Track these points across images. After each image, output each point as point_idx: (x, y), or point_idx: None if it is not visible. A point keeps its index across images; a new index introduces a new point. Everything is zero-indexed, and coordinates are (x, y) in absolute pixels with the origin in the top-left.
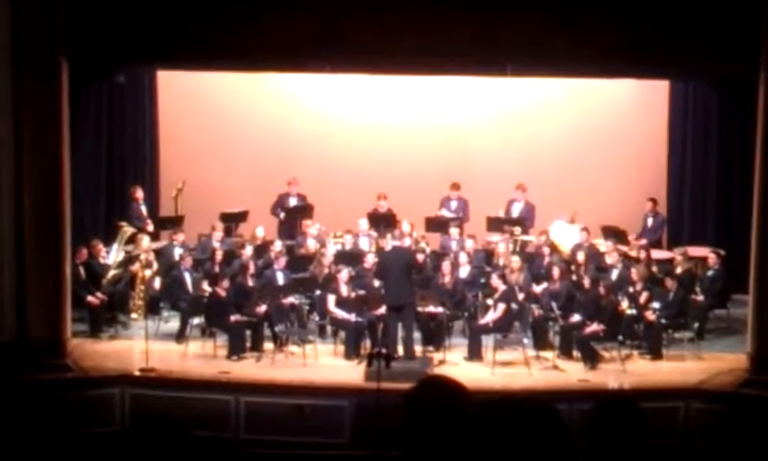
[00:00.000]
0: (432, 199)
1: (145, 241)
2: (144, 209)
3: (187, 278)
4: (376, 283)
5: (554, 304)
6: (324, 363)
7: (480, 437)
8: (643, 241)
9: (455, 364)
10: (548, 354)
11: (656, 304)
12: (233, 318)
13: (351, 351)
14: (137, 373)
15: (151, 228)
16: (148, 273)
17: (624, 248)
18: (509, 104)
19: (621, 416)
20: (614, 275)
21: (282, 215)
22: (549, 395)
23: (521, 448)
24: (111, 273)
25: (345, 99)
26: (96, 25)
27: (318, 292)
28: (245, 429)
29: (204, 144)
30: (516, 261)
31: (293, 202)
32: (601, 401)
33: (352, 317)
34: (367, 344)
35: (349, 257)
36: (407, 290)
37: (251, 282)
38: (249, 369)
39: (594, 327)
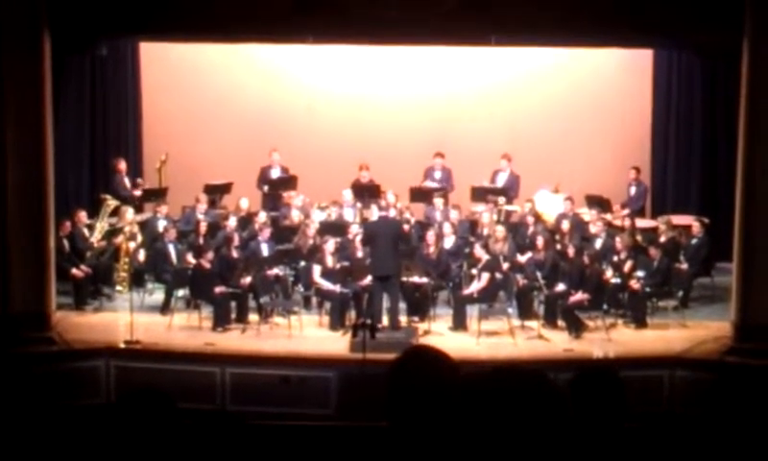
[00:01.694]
0: (416, 169)
1: (129, 213)
2: (127, 181)
3: (171, 250)
4: (361, 254)
5: (538, 274)
6: (309, 334)
7: (475, 409)
8: (625, 211)
9: (440, 334)
10: (533, 324)
11: (640, 273)
12: (218, 290)
13: (336, 322)
14: (122, 345)
15: (138, 192)
16: (132, 245)
17: (608, 217)
18: (493, 74)
19: (600, 384)
20: (599, 244)
21: (266, 188)
22: (534, 364)
23: (522, 420)
24: (94, 239)
25: (328, 70)
26: None
27: (302, 263)
28: (230, 400)
29: (187, 116)
30: (500, 231)
31: (275, 174)
32: (580, 370)
33: (337, 288)
34: (352, 315)
35: (334, 228)
36: (393, 261)
37: (235, 254)
38: (234, 340)
39: (579, 296)
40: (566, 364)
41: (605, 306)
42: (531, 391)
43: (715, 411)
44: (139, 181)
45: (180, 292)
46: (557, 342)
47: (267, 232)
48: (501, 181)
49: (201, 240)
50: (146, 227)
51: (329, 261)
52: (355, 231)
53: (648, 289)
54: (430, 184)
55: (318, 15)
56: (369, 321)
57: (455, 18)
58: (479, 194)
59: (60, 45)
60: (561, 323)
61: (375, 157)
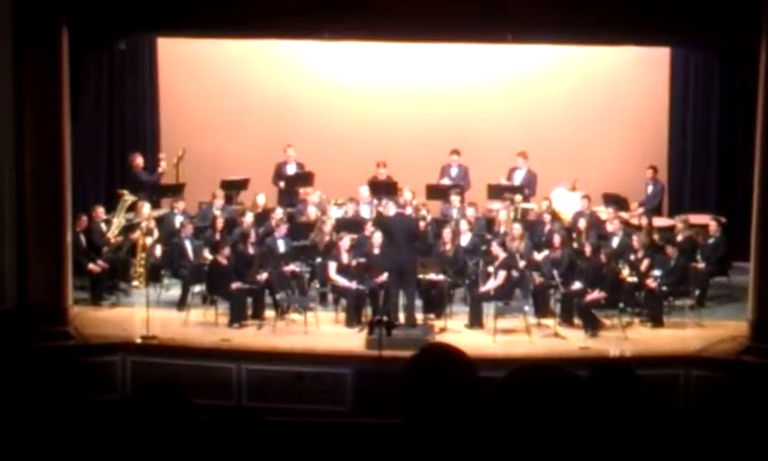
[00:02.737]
0: (433, 166)
1: (146, 209)
2: (144, 176)
3: (188, 245)
4: (377, 250)
5: (555, 272)
6: (325, 331)
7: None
8: (641, 210)
9: (456, 332)
10: (549, 322)
11: (657, 272)
12: (234, 286)
13: (353, 319)
14: (139, 340)
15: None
16: (149, 240)
17: (625, 215)
18: (510, 71)
19: (617, 382)
20: (615, 242)
21: (282, 184)
22: (550, 362)
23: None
24: (111, 234)
25: (345, 66)
26: None
27: (319, 260)
28: (246, 397)
29: (204, 112)
30: (517, 229)
31: (291, 170)
32: (597, 368)
33: (354, 284)
34: (368, 311)
35: (350, 225)
36: (409, 257)
37: (251, 250)
38: (250, 337)
39: (595, 294)
40: (582, 362)
41: (621, 305)
42: (554, 389)
43: (731, 410)
44: (161, 167)
45: (197, 288)
46: (573, 340)
47: (283, 229)
48: (518, 178)
49: (217, 236)
50: (163, 222)
51: (345, 258)
52: (372, 229)
53: (665, 288)
54: (446, 182)
55: (334, 12)
56: (385, 318)
57: (472, 15)
58: (496, 192)
59: (78, 41)
60: (577, 321)
61: (392, 154)
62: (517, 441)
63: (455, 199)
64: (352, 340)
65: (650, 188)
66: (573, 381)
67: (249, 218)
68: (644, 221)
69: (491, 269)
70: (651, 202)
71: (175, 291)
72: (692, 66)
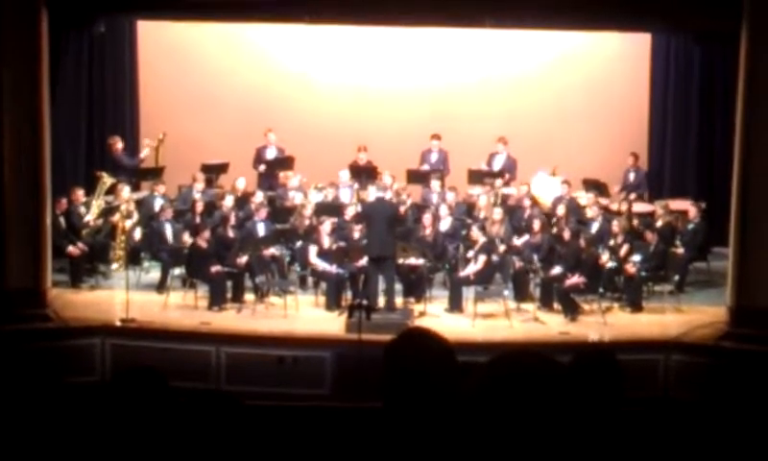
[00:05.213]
0: (413, 151)
1: (125, 191)
2: (124, 159)
3: (168, 228)
4: (357, 235)
5: (535, 257)
6: (304, 314)
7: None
8: (633, 196)
9: (436, 316)
10: (529, 306)
11: (636, 257)
12: (214, 269)
13: (332, 303)
14: (118, 323)
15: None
16: (128, 223)
17: (605, 201)
18: (491, 57)
19: (599, 368)
20: (595, 227)
21: (262, 168)
22: (529, 347)
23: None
24: (90, 217)
25: (326, 51)
26: None
27: (299, 243)
28: (225, 380)
29: (184, 95)
30: (497, 213)
31: (271, 154)
32: (579, 354)
33: (334, 268)
34: (348, 295)
35: (330, 209)
36: (390, 242)
37: (231, 234)
38: (229, 320)
39: (575, 279)
40: (562, 347)
41: (601, 290)
42: (536, 375)
43: (710, 396)
44: (143, 153)
45: (177, 271)
46: (552, 325)
47: (263, 212)
48: (498, 164)
49: (197, 219)
50: (142, 205)
51: (326, 242)
52: (352, 212)
53: (644, 273)
54: (426, 167)
55: None
56: (365, 302)
57: (451, 0)
58: (476, 177)
59: (57, 22)
60: (556, 306)
61: (372, 138)
62: (499, 427)
63: (435, 184)
64: (332, 324)
65: (632, 175)
66: (554, 367)
67: (229, 202)
68: (624, 207)
69: (470, 253)
70: (640, 189)
71: (154, 274)
72: (673, 52)
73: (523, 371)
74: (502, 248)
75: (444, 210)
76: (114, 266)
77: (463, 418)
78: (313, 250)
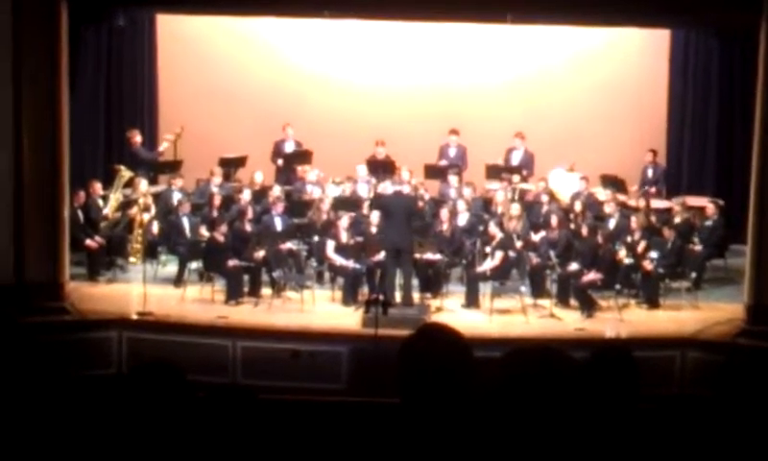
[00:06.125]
0: (431, 146)
1: (143, 185)
2: (143, 152)
3: (185, 222)
4: (374, 229)
5: (552, 253)
6: (321, 309)
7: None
8: (653, 190)
9: (452, 311)
10: (545, 303)
11: (653, 254)
12: (231, 263)
13: (349, 298)
14: (135, 316)
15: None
16: (146, 217)
17: (623, 197)
18: (509, 52)
19: (616, 365)
20: (612, 224)
21: (280, 162)
22: (546, 343)
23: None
24: (108, 210)
25: (344, 47)
26: None
27: (316, 238)
28: (242, 374)
29: (203, 89)
30: (514, 209)
31: (289, 148)
32: (596, 351)
33: (350, 263)
34: (364, 290)
35: (348, 204)
36: (406, 236)
37: (249, 228)
38: (246, 314)
39: (592, 275)
40: (578, 343)
41: (618, 286)
42: (550, 370)
43: (726, 393)
44: (162, 147)
45: (194, 265)
46: (569, 321)
47: (280, 206)
48: (515, 159)
49: (215, 213)
50: (160, 199)
51: (343, 236)
52: (368, 211)
53: (661, 270)
54: (444, 162)
55: None
56: (381, 297)
57: None
58: (494, 172)
59: (77, 15)
60: (573, 302)
61: (390, 133)
62: (513, 422)
63: (453, 179)
64: (349, 319)
65: (650, 171)
66: (567, 362)
67: (246, 196)
68: (642, 203)
69: (488, 249)
70: (659, 185)
71: (171, 268)
72: (692, 48)
73: (537, 366)
74: (519, 244)
75: (461, 206)
76: (132, 259)
77: (477, 413)
78: (330, 244)
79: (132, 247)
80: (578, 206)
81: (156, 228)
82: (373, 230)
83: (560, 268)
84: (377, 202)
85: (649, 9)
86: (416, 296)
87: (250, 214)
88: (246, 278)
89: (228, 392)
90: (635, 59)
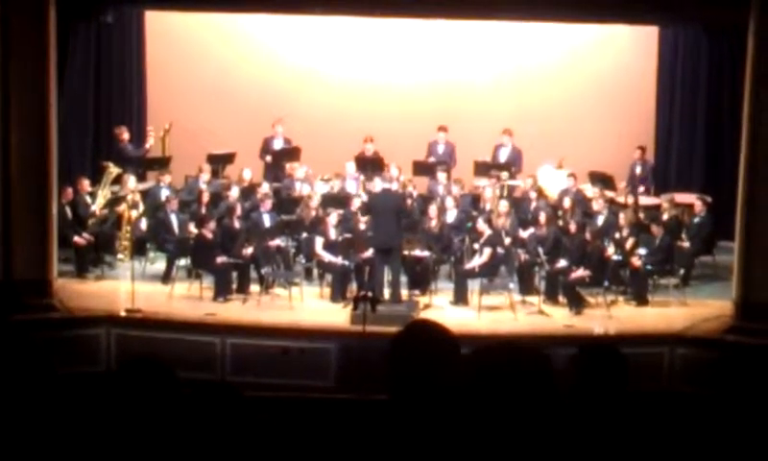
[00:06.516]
0: (420, 142)
1: (131, 182)
2: (130, 149)
3: (174, 219)
4: (363, 226)
5: (540, 249)
6: (309, 306)
7: (471, 382)
8: (640, 189)
9: (441, 308)
10: (534, 299)
11: (642, 251)
12: (220, 260)
13: (338, 294)
14: (123, 313)
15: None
16: (134, 214)
17: (611, 194)
18: (497, 49)
19: (602, 361)
20: (601, 220)
21: (269, 159)
22: (534, 339)
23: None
24: (96, 207)
25: (333, 44)
26: None
27: (304, 235)
28: (230, 371)
29: (191, 86)
30: (502, 206)
31: (278, 145)
32: (582, 347)
33: (339, 260)
34: (353, 287)
35: (336, 200)
36: (395, 234)
37: (237, 224)
38: (235, 311)
39: (580, 272)
40: (567, 340)
41: (606, 283)
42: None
43: (715, 389)
44: (149, 142)
45: (182, 261)
46: (557, 318)
47: (269, 203)
48: (503, 156)
49: (203, 210)
50: (148, 195)
51: (331, 233)
52: (358, 204)
53: (649, 267)
54: (433, 160)
55: None
56: (370, 293)
57: None
58: (482, 169)
59: (65, 12)
60: (562, 299)
61: (380, 130)
62: (483, 418)
63: (441, 175)
64: (337, 315)
65: (638, 168)
66: (537, 358)
67: (234, 192)
68: (630, 200)
69: (476, 246)
70: (649, 182)
71: (160, 264)
72: (680, 45)
73: (502, 363)
74: (508, 240)
75: (449, 202)
76: (120, 256)
77: (450, 409)
78: (319, 241)
79: (120, 244)
80: (566, 203)
81: (144, 224)
82: (362, 226)
83: (548, 265)
84: (367, 203)
85: (638, 5)
86: (404, 293)
87: (238, 211)
88: (234, 274)
89: (212, 388)
90: (623, 55)
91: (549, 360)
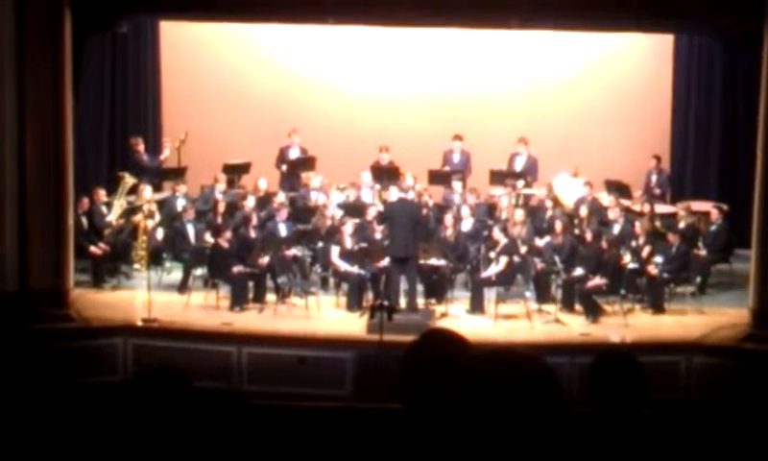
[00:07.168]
0: (435, 151)
1: (147, 192)
2: (146, 160)
3: (190, 229)
4: (379, 236)
5: (556, 258)
6: (326, 315)
7: (474, 389)
8: (657, 191)
9: (457, 317)
10: (550, 308)
11: (658, 259)
12: (236, 269)
13: (354, 303)
14: (140, 323)
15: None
16: (150, 223)
17: (627, 202)
18: (513, 58)
19: (619, 370)
20: (617, 229)
21: (285, 168)
22: (550, 348)
23: (512, 401)
24: (112, 217)
25: (348, 54)
26: None
27: (320, 244)
28: (247, 380)
29: (206, 95)
30: (518, 215)
31: (294, 154)
32: (599, 355)
33: (355, 269)
34: (369, 296)
35: (352, 209)
36: (412, 243)
37: (253, 234)
38: (251, 320)
39: (596, 280)
40: (583, 348)
41: (622, 291)
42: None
43: (732, 398)
44: (165, 153)
45: (198, 271)
46: (574, 326)
47: (284, 213)
48: (519, 164)
49: (219, 219)
50: (164, 205)
51: (347, 242)
52: (374, 213)
53: (666, 275)
54: (449, 169)
55: None
56: (386, 302)
57: (476, 1)
58: (498, 178)
59: (80, 22)
60: (578, 307)
61: (395, 140)
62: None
63: (457, 184)
64: (353, 324)
65: (654, 177)
66: (536, 366)
67: (250, 202)
68: (646, 208)
69: (492, 255)
70: (665, 189)
71: (176, 274)
72: (695, 53)
73: (500, 370)
74: (524, 249)
75: (465, 211)
76: (136, 266)
77: (450, 417)
78: (335, 250)
79: (136, 254)
80: (582, 212)
81: (160, 234)
82: (378, 235)
83: (564, 273)
84: (383, 212)
85: (653, 14)
86: (420, 301)
87: (254, 220)
88: (250, 284)
89: (219, 397)
90: (638, 65)
91: (547, 366)
